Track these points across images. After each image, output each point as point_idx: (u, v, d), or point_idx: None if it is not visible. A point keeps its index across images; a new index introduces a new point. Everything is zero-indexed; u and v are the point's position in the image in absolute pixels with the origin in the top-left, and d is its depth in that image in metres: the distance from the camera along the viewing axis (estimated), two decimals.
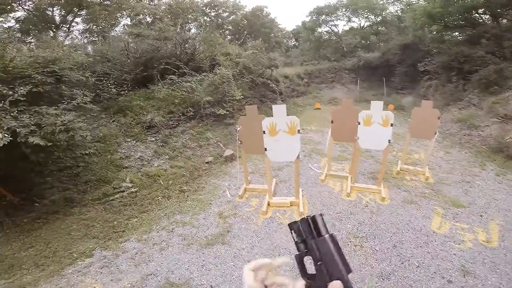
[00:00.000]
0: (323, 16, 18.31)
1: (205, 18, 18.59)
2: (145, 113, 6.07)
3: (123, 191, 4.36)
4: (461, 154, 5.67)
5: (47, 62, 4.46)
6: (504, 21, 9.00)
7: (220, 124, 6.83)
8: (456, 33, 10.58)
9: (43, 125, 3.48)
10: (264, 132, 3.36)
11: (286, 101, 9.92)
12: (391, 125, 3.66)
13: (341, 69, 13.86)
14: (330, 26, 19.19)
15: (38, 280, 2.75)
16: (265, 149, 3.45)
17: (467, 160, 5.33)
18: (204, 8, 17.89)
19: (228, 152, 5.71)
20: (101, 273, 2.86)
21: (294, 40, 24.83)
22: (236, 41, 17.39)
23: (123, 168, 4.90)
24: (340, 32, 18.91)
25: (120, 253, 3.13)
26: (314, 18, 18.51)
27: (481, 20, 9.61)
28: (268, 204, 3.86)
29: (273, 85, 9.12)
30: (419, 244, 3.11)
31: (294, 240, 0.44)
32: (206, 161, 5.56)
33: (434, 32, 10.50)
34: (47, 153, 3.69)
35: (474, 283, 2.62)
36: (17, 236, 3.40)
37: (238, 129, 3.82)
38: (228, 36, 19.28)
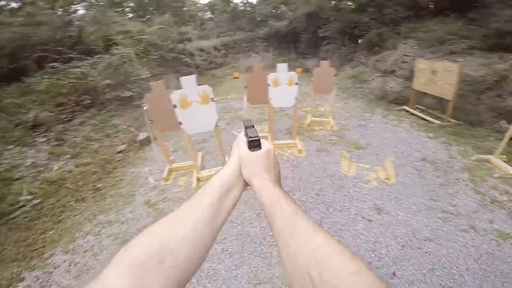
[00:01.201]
0: None
1: None
2: (24, 111, 4.82)
3: (24, 205, 3.54)
4: (356, 103, 6.77)
5: None
6: None
7: (128, 107, 6.11)
8: (350, 2, 11.63)
9: None
10: (175, 106, 3.15)
11: (204, 74, 9.73)
12: (296, 84, 3.99)
13: (256, 39, 14.22)
14: None
15: None
16: (180, 123, 3.27)
17: (361, 108, 6.38)
18: None
19: (142, 136, 5.21)
20: None
21: (210, 12, 23.63)
22: (140, 19, 15.38)
23: (14, 181, 3.89)
24: (253, 3, 19.00)
25: (52, 270, 2.67)
26: None
27: None
28: (198, 179, 3.78)
29: (188, 59, 8.64)
30: (336, 189, 3.36)
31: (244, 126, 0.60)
32: (118, 150, 4.94)
33: (333, 1, 11.53)
34: None
35: (389, 219, 2.86)
36: None
37: (145, 108, 3.46)
38: (129, 14, 16.77)
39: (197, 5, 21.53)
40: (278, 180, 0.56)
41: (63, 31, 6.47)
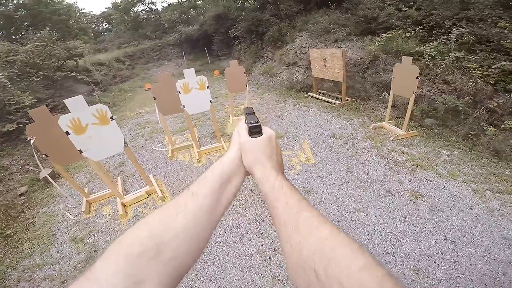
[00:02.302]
0: None
1: None
2: None
3: None
4: (270, 97, 7.31)
5: None
6: None
7: (16, 142, 5.03)
8: (253, 1, 12.12)
9: None
10: (67, 133, 2.72)
11: (109, 90, 8.61)
12: (207, 87, 4.01)
13: (165, 46, 13.55)
14: (147, 5, 17.67)
15: None
16: (80, 151, 2.86)
17: (275, 100, 6.92)
18: None
19: (46, 172, 4.34)
20: None
21: (105, 23, 21.12)
22: (13, 36, 12.50)
23: None
24: (159, 9, 17.91)
25: None
26: None
27: None
28: (124, 205, 3.42)
29: (83, 76, 7.52)
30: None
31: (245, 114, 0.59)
32: (19, 193, 4.08)
33: (239, 2, 11.80)
34: None
35: (319, 199, 3.05)
36: None
37: (32, 141, 2.89)
38: None
39: (88, 17, 18.97)
40: (281, 167, 0.53)
41: None
